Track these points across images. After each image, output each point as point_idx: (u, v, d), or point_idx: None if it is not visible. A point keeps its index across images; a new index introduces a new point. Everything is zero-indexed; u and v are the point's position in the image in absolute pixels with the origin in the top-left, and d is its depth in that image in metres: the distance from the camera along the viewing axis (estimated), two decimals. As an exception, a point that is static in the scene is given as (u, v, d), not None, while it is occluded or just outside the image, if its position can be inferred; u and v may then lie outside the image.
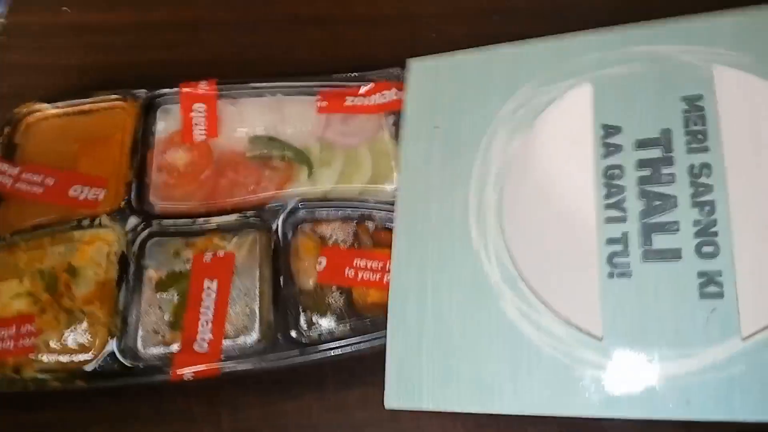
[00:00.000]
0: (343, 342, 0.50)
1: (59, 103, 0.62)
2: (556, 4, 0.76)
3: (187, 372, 0.49)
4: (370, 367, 0.52)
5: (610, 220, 0.44)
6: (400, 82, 0.63)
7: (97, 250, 0.55)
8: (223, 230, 0.56)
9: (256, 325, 0.52)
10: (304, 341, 0.50)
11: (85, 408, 0.52)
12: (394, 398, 0.46)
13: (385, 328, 0.50)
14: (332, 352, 0.50)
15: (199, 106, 0.62)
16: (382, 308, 0.52)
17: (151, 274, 0.54)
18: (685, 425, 0.50)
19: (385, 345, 0.50)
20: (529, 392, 0.42)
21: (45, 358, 0.51)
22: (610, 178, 0.45)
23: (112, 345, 0.49)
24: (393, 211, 0.56)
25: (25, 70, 0.70)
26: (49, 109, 0.62)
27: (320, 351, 0.49)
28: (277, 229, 0.55)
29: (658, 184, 0.44)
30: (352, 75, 0.64)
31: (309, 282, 0.54)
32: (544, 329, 0.43)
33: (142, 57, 0.70)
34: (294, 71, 0.66)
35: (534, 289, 0.44)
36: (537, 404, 0.42)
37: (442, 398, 0.44)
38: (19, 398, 0.51)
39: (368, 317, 0.52)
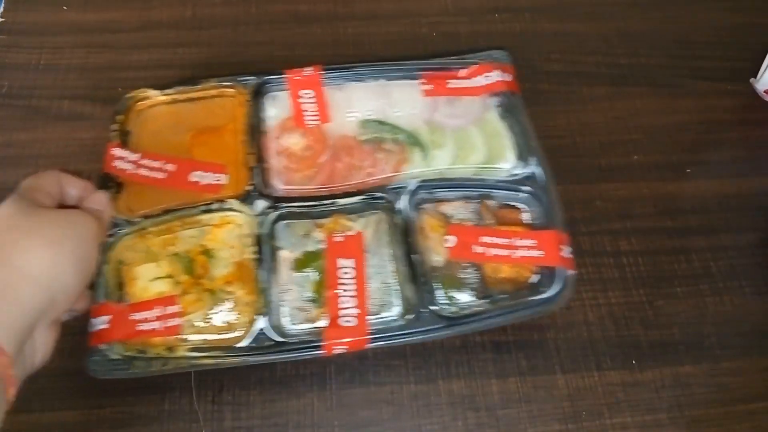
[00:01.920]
0: (489, 314, 0.52)
1: (168, 91, 0.63)
2: (558, 1, 0.78)
3: (339, 346, 0.50)
4: (372, 366, 0.55)
5: None
6: (503, 64, 0.65)
7: (228, 232, 0.56)
8: (347, 211, 0.57)
9: (397, 301, 0.53)
10: (447, 315, 0.52)
11: (86, 408, 0.53)
12: None
13: (522, 304, 0.52)
14: (479, 326, 0.51)
15: (306, 92, 0.63)
16: (514, 283, 0.54)
17: (286, 254, 0.55)
18: (686, 424, 0.53)
19: (526, 321, 0.52)
20: None
21: (192, 337, 0.52)
22: None
23: (262, 322, 0.51)
24: (512, 190, 0.58)
25: (24, 69, 0.69)
26: (158, 96, 0.63)
27: (468, 324, 0.51)
28: (402, 208, 0.56)
29: None
30: (453, 58, 0.66)
31: (438, 259, 0.56)
32: None
33: (142, 56, 0.71)
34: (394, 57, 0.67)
35: None
36: None
37: None
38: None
39: (505, 292, 0.54)
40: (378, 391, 0.54)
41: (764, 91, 0.69)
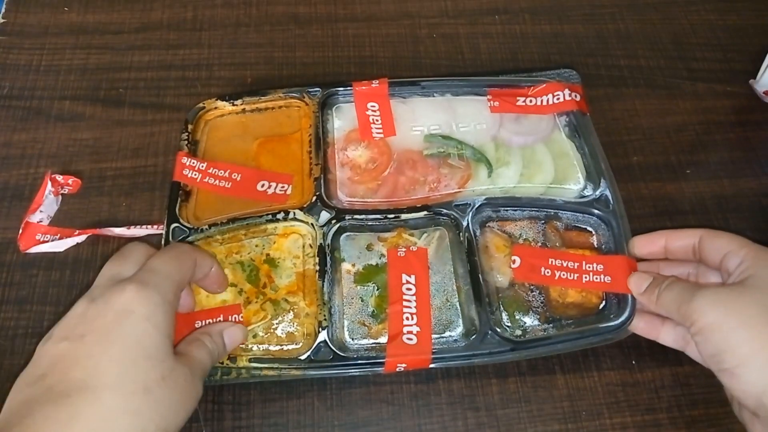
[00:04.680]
0: (556, 340, 0.50)
1: (236, 101, 0.64)
2: (557, 3, 0.76)
3: (400, 363, 0.50)
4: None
5: None
6: (571, 84, 0.64)
7: (292, 242, 0.56)
8: (410, 226, 0.57)
9: (459, 321, 0.53)
10: (512, 338, 0.51)
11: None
12: None
13: (589, 331, 0.51)
14: (545, 351, 0.50)
15: (372, 105, 0.63)
16: (580, 308, 0.53)
17: (348, 266, 0.55)
18: (685, 424, 0.51)
19: (590, 347, 0.51)
20: None
21: (255, 347, 0.52)
22: None
23: (324, 335, 0.50)
24: (580, 212, 0.57)
25: (25, 70, 0.70)
26: (226, 107, 0.64)
27: (534, 349, 0.50)
28: (467, 226, 0.55)
29: None
30: (522, 76, 0.65)
31: (502, 279, 0.54)
32: None
33: (143, 57, 0.71)
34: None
35: None
36: None
37: None
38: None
39: (570, 318, 0.53)
40: (378, 390, 0.53)
41: (764, 92, 0.68)
